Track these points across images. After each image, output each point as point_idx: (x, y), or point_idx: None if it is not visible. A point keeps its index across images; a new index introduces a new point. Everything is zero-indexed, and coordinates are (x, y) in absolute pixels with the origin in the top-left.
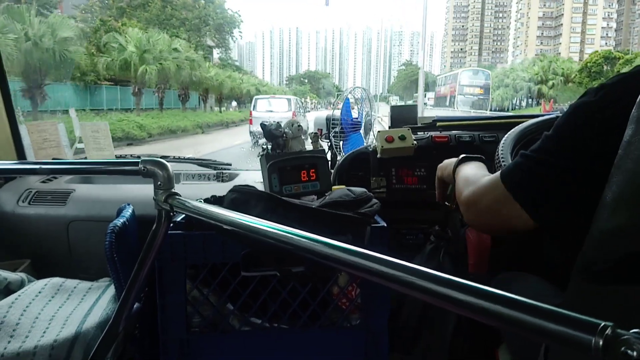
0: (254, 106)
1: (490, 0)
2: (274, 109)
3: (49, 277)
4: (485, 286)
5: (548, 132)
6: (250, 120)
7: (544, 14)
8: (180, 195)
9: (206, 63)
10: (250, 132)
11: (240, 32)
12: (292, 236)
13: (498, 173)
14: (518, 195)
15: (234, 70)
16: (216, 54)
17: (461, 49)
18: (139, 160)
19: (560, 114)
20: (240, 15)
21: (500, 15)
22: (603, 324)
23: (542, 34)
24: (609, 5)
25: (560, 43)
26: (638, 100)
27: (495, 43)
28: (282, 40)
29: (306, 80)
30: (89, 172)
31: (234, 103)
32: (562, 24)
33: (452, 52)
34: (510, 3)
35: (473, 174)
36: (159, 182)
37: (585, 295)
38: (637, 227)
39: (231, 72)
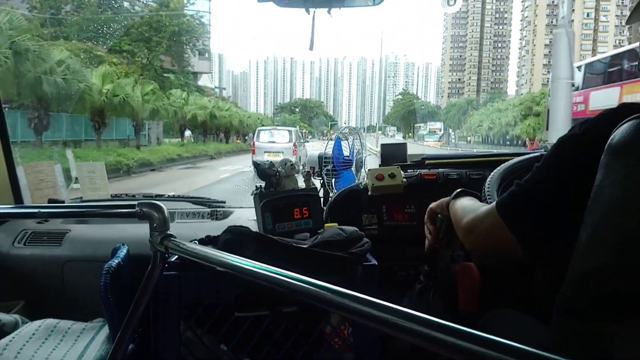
0: (256, 137)
1: (489, 30)
2: (276, 140)
3: (44, 317)
4: (472, 327)
5: (538, 163)
6: (253, 150)
7: (550, 42)
8: (175, 237)
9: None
10: (253, 162)
11: (205, 45)
12: (285, 278)
13: (493, 203)
14: (509, 222)
15: (194, 92)
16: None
17: (459, 79)
18: (136, 203)
19: (544, 151)
20: (205, 24)
21: (500, 45)
22: None
23: (549, 62)
24: (620, 33)
25: None
26: (606, 146)
27: (494, 73)
28: (276, 70)
29: (297, 109)
30: (86, 215)
31: (187, 132)
32: None
33: (449, 82)
34: (510, 33)
35: (471, 204)
36: (154, 224)
37: (565, 333)
38: (607, 269)
39: (195, 97)
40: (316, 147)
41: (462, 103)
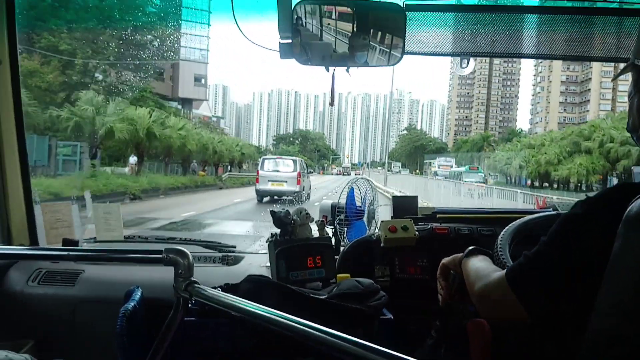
0: (261, 166)
1: (498, 67)
2: (280, 169)
3: (52, 358)
4: None
5: (544, 236)
6: (257, 179)
7: (567, 78)
8: (199, 284)
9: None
10: (257, 190)
11: (201, 73)
12: (309, 330)
13: (504, 271)
14: (518, 293)
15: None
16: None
17: (466, 117)
18: (163, 250)
19: (552, 211)
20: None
21: (509, 83)
22: None
23: (566, 99)
24: None
25: (587, 110)
26: (624, 218)
27: (502, 112)
28: (280, 103)
29: (297, 141)
30: (115, 260)
31: (132, 159)
32: (589, 89)
33: (456, 119)
34: (519, 71)
35: (483, 268)
36: (180, 270)
37: None
38: (629, 334)
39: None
40: (316, 182)
41: (477, 139)
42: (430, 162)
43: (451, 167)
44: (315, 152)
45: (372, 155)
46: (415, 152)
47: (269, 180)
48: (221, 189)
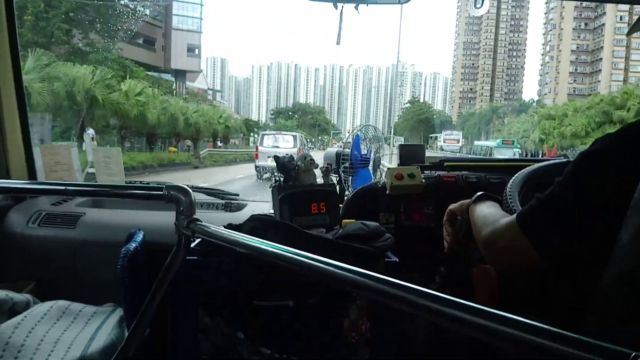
0: (260, 142)
1: (503, 37)
2: (280, 145)
3: (54, 299)
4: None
5: (559, 177)
6: (257, 155)
7: (577, 47)
8: (201, 221)
9: None
10: (256, 167)
11: (194, 42)
12: (315, 263)
13: (514, 215)
14: (530, 236)
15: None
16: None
17: (470, 89)
18: (163, 186)
19: (564, 159)
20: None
21: (515, 54)
22: (634, 353)
23: (576, 69)
24: None
25: (599, 81)
26: None
27: (508, 83)
28: (279, 77)
29: (295, 115)
30: (114, 195)
31: (90, 131)
32: (601, 59)
33: (460, 91)
34: (525, 42)
35: (491, 214)
36: (181, 208)
37: (602, 334)
38: None
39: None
40: (316, 157)
41: (485, 111)
42: (437, 137)
43: (458, 141)
44: (315, 126)
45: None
46: (418, 126)
47: (268, 157)
48: (197, 168)
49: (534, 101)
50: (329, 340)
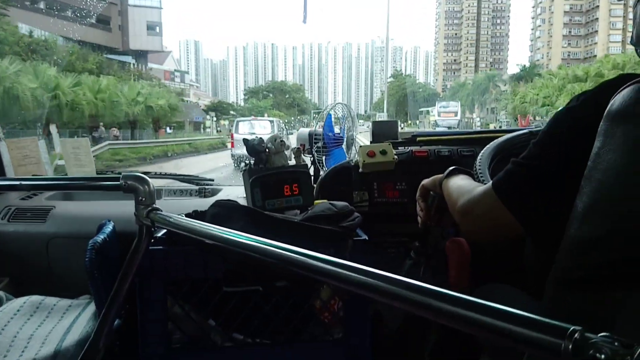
0: (235, 129)
1: (486, 4)
2: (257, 132)
3: (28, 294)
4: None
5: (534, 139)
6: (232, 143)
7: (571, 8)
8: (161, 210)
9: None
10: (232, 155)
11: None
12: (276, 250)
13: (490, 182)
14: (507, 201)
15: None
16: None
17: (454, 60)
18: (120, 176)
19: (535, 128)
20: None
21: (498, 21)
22: (572, 328)
23: (570, 32)
24: None
25: (595, 43)
26: (605, 113)
27: (493, 53)
28: (256, 57)
29: (271, 95)
30: (70, 187)
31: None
32: (596, 19)
33: (444, 63)
34: (509, 8)
35: (466, 184)
36: (140, 198)
37: (559, 304)
38: (607, 237)
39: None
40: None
41: (480, 80)
42: (428, 111)
43: (455, 114)
44: (293, 106)
45: (357, 107)
46: (404, 100)
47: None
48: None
49: (536, 65)
50: (302, 322)
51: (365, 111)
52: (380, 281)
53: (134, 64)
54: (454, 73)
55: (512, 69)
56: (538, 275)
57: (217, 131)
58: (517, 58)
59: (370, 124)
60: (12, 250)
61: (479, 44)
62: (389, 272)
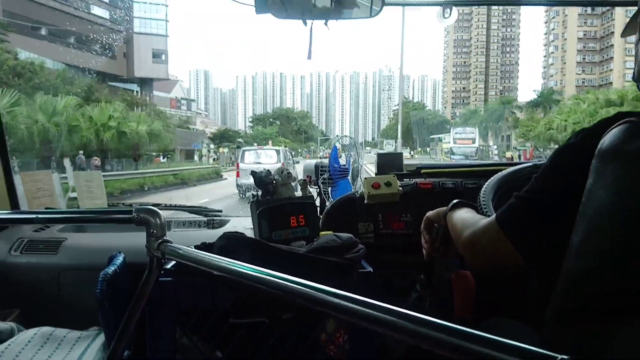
0: (241, 158)
1: (495, 33)
2: (262, 161)
3: (39, 326)
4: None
5: (536, 174)
6: (238, 172)
7: (585, 34)
8: (172, 242)
9: None
10: (238, 185)
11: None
12: (282, 282)
13: (494, 216)
14: (510, 234)
15: None
16: None
17: (463, 88)
18: (132, 209)
19: (538, 162)
20: None
21: (508, 49)
22: (560, 357)
23: (584, 59)
24: None
25: (611, 70)
26: (596, 151)
27: (502, 81)
28: (265, 86)
29: (277, 122)
30: (83, 220)
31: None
32: (612, 45)
33: (453, 91)
34: (518, 36)
35: (470, 217)
36: (151, 230)
37: (558, 337)
38: (599, 270)
39: None
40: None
41: (494, 107)
42: (440, 138)
43: (473, 140)
44: (300, 133)
45: (365, 135)
46: (413, 127)
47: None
48: None
49: (554, 91)
50: (307, 355)
51: (373, 138)
52: (386, 314)
53: (137, 91)
54: (463, 101)
55: (523, 96)
56: (540, 306)
57: (214, 159)
58: (527, 86)
59: (376, 155)
60: (24, 282)
61: (488, 71)
62: (394, 304)
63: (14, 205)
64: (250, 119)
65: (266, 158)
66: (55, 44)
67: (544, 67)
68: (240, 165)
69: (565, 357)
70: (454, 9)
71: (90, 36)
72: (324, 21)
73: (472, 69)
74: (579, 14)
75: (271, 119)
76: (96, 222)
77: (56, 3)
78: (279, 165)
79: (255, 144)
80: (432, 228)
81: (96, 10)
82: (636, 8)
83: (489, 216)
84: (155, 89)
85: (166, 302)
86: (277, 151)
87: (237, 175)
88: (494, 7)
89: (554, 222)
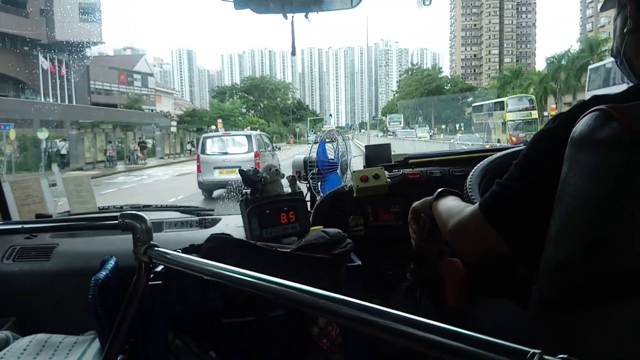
0: (201, 148)
1: None
2: (229, 151)
3: (35, 333)
4: (461, 322)
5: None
6: (199, 166)
7: None
8: (159, 247)
9: None
10: (199, 183)
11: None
12: (271, 285)
13: (477, 203)
14: (492, 221)
15: None
16: None
17: (474, 55)
18: (118, 215)
19: (523, 146)
20: None
21: (524, 9)
22: (532, 351)
23: None
24: None
25: None
26: (570, 139)
27: (519, 45)
28: (253, 65)
29: (252, 97)
30: (70, 228)
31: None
32: None
33: (462, 59)
34: None
35: (455, 206)
36: (138, 235)
37: (541, 325)
38: (577, 259)
39: None
40: (285, 156)
41: (573, 55)
42: (493, 105)
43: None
44: (287, 113)
45: (362, 115)
46: (428, 99)
47: (215, 168)
48: None
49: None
50: (301, 350)
51: (374, 117)
52: (375, 316)
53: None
54: (475, 70)
55: (541, 64)
56: (527, 292)
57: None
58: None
59: (364, 147)
60: (17, 290)
61: (503, 35)
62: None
63: (4, 213)
64: (211, 92)
65: (234, 147)
66: None
67: (581, 32)
68: (201, 157)
69: (537, 351)
70: None
71: None
72: (304, 14)
73: (485, 32)
74: None
75: (241, 92)
76: (83, 229)
77: None
78: (251, 155)
79: (215, 127)
80: (419, 218)
81: None
82: None
83: (475, 203)
84: (103, 62)
85: (157, 306)
86: (248, 137)
87: (198, 170)
88: None
89: (534, 209)
